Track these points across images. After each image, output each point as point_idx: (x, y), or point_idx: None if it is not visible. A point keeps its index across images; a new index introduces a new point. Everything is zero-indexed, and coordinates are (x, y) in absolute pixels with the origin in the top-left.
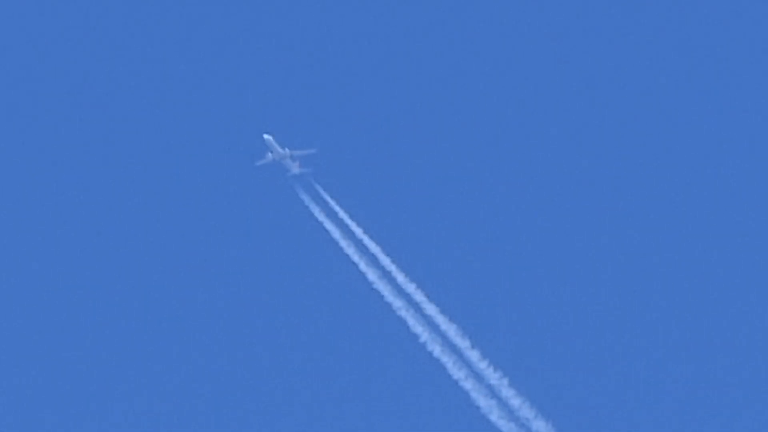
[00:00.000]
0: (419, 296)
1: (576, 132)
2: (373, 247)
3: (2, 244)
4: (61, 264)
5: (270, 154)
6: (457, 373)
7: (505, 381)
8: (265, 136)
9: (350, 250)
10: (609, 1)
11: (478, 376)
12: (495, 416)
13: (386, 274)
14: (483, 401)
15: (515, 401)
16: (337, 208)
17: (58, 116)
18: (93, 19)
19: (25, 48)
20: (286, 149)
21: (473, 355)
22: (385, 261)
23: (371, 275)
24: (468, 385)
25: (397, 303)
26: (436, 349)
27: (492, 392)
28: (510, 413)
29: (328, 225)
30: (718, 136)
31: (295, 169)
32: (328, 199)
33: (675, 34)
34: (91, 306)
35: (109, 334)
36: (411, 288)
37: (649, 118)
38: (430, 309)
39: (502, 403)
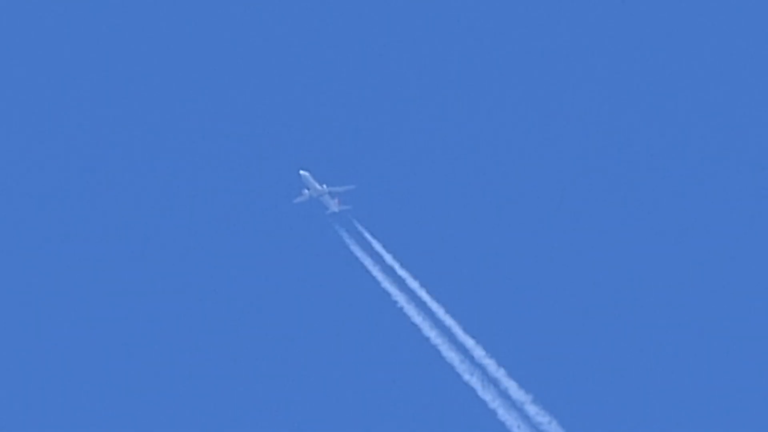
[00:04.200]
0: (464, 337)
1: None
2: (416, 287)
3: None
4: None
5: (307, 191)
6: (506, 416)
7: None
8: (302, 172)
9: (392, 290)
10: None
11: (528, 420)
12: None
13: (430, 314)
14: None
15: None
16: (378, 247)
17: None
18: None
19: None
20: (324, 186)
21: (522, 398)
22: (429, 300)
23: (414, 315)
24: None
25: (442, 344)
26: (481, 390)
27: None
28: None
29: (369, 265)
30: (718, 136)
31: (333, 206)
32: (369, 237)
33: (675, 34)
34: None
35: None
36: (456, 328)
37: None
38: (476, 350)
39: None
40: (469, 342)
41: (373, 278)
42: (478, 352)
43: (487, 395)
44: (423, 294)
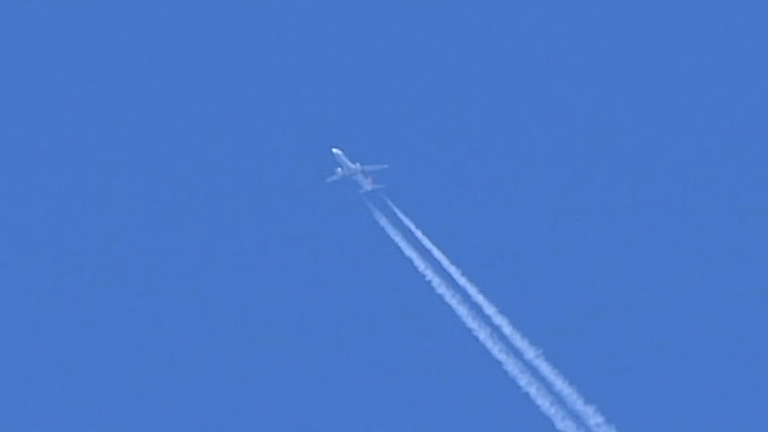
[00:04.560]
0: (497, 316)
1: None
2: (450, 267)
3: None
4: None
5: (340, 170)
6: (532, 390)
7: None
8: (335, 150)
9: (427, 271)
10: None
11: (554, 394)
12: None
13: (463, 294)
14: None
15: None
16: (412, 226)
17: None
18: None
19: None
20: (357, 164)
21: (549, 372)
22: (462, 281)
23: (447, 295)
24: (545, 405)
25: (474, 323)
26: (513, 368)
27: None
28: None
29: (403, 244)
30: (718, 136)
31: (367, 185)
32: (402, 217)
33: (675, 34)
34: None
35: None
36: (488, 308)
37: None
38: (508, 328)
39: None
40: (500, 319)
41: (406, 257)
42: (510, 330)
43: (515, 370)
44: (454, 271)
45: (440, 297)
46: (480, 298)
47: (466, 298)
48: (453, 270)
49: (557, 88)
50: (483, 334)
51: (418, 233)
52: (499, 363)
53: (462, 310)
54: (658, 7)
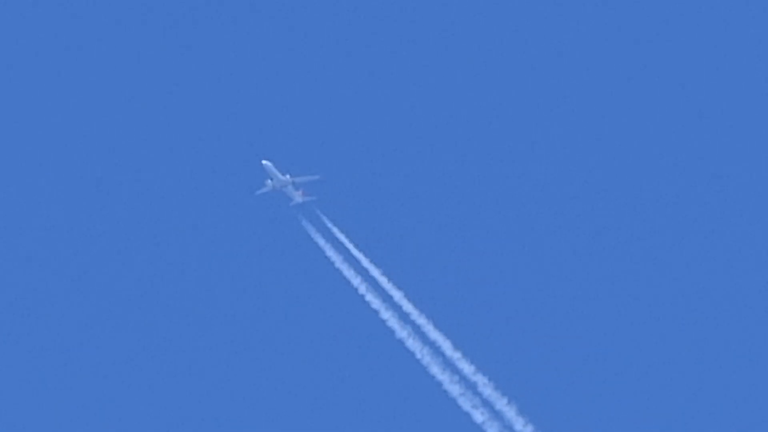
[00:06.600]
0: (426, 326)
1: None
2: (382, 279)
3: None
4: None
5: (270, 182)
6: (464, 400)
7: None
8: (264, 162)
9: (357, 282)
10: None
11: (486, 403)
12: None
13: (393, 305)
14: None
15: None
16: (343, 239)
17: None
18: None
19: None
20: (288, 176)
21: (480, 382)
22: (393, 291)
23: (379, 307)
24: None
25: (404, 333)
26: (442, 377)
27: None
28: None
29: (335, 257)
30: (719, 136)
31: (297, 197)
32: (334, 229)
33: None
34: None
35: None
36: (419, 318)
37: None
38: (438, 338)
39: None
40: (435, 334)
41: (338, 270)
42: (446, 345)
43: (455, 390)
44: (388, 285)
45: (372, 309)
46: (411, 309)
47: (397, 308)
48: (384, 281)
49: (489, 89)
50: (413, 344)
51: (350, 245)
52: (425, 369)
53: (393, 321)
54: (654, 7)
